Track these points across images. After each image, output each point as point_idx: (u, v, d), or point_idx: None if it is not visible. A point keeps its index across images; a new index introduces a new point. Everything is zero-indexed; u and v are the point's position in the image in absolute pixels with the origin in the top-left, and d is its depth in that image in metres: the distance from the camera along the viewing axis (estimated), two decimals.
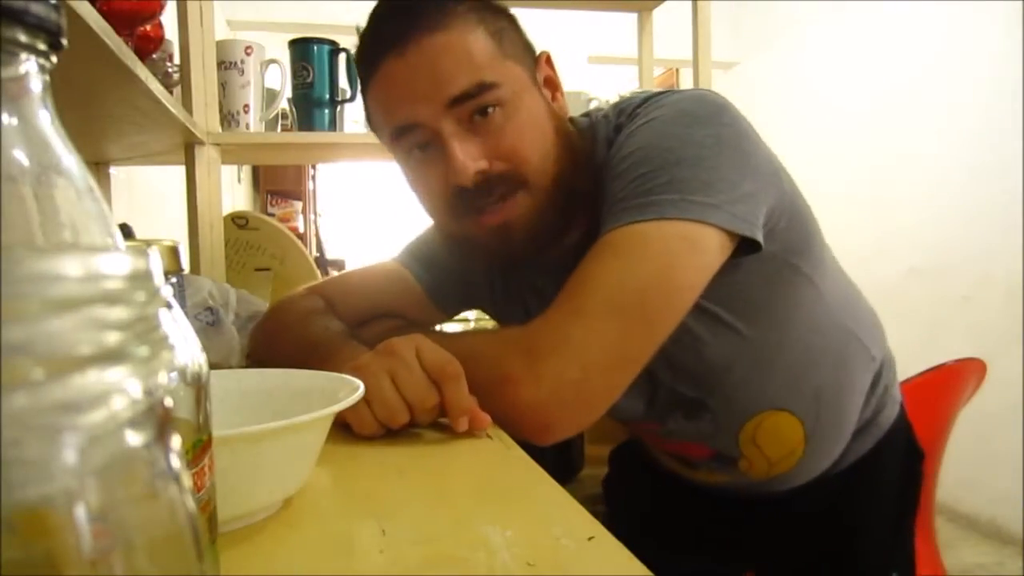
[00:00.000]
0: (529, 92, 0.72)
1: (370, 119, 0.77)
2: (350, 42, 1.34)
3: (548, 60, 0.77)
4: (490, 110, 0.68)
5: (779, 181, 0.73)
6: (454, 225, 0.74)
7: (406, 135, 0.71)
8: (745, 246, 0.68)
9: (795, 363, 0.81)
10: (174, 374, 0.15)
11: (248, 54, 1.22)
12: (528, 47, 0.75)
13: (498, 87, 0.68)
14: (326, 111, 1.28)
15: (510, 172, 0.69)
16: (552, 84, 0.77)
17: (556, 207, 0.72)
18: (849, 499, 0.91)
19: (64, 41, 0.20)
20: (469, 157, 0.68)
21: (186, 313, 0.80)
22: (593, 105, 1.34)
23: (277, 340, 0.81)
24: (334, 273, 1.16)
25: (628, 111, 0.76)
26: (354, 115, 1.38)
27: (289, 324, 0.81)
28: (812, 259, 0.79)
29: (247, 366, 0.83)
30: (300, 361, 0.61)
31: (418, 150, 0.71)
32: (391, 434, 0.61)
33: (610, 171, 0.71)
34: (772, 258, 0.72)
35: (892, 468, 0.92)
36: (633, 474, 1.06)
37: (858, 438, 0.89)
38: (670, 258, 0.63)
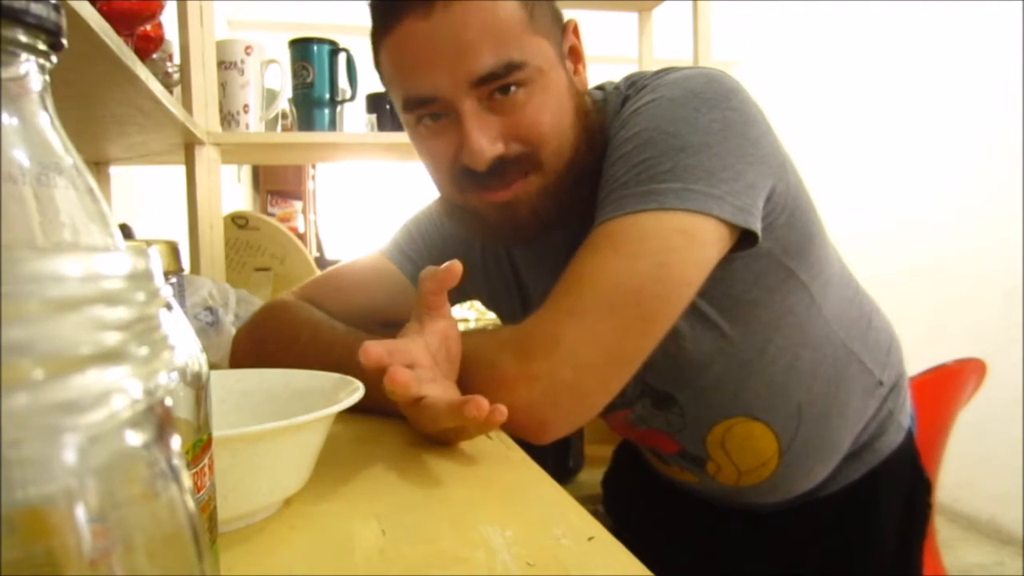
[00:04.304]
0: (554, 70, 0.68)
1: (380, 73, 0.72)
2: (350, 42, 1.34)
3: (575, 29, 0.73)
4: (512, 89, 0.65)
5: (784, 173, 0.70)
6: (458, 197, 0.72)
7: (419, 106, 0.67)
8: (744, 239, 0.66)
9: (777, 373, 0.78)
10: (174, 374, 0.15)
11: (248, 54, 1.22)
12: (557, 17, 0.71)
13: (525, 66, 0.65)
14: (326, 111, 1.28)
15: (525, 155, 0.67)
16: (576, 54, 0.73)
17: (565, 188, 0.69)
18: (843, 526, 0.87)
19: (64, 41, 0.20)
20: (487, 140, 0.65)
21: (186, 313, 0.80)
22: None
23: (292, 349, 0.74)
24: None
25: (639, 84, 0.73)
26: (354, 115, 1.39)
27: (305, 333, 0.74)
28: (809, 265, 0.75)
29: None
30: (332, 367, 0.57)
31: (429, 119, 0.68)
32: (391, 434, 0.61)
33: (613, 150, 0.68)
34: (766, 255, 0.70)
35: (892, 498, 0.88)
36: (632, 473, 1.05)
37: (850, 462, 0.85)
38: (668, 254, 0.62)
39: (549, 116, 0.67)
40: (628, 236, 0.63)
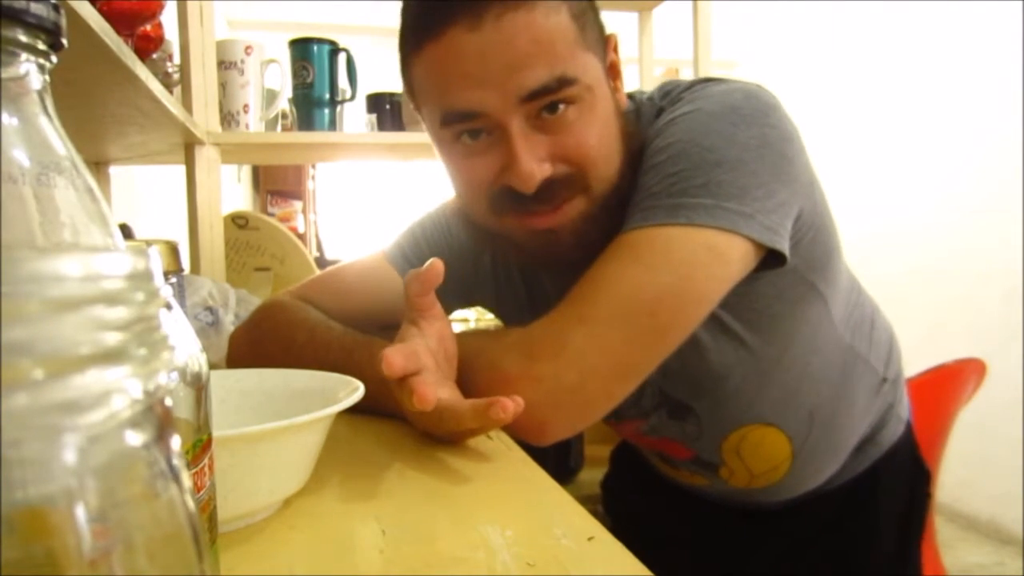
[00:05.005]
0: (601, 87, 0.65)
1: (409, 82, 0.68)
2: (350, 42, 1.34)
3: (616, 46, 0.70)
4: (561, 107, 0.62)
5: (812, 192, 0.70)
6: (493, 221, 0.68)
7: (461, 121, 0.63)
8: (770, 258, 0.65)
9: (791, 380, 0.78)
10: (174, 374, 0.15)
11: (248, 54, 1.22)
12: (603, 32, 0.68)
13: (576, 83, 0.62)
14: (326, 111, 1.28)
15: (573, 177, 0.64)
16: (615, 71, 0.70)
17: (608, 210, 0.67)
18: (845, 521, 0.88)
19: (64, 41, 0.20)
20: (535, 160, 0.62)
21: (186, 313, 0.79)
22: None
23: (290, 349, 0.73)
24: None
25: (673, 95, 0.71)
26: (354, 115, 1.39)
27: (301, 335, 0.73)
28: (828, 278, 0.75)
29: None
30: (329, 368, 0.57)
31: (468, 136, 0.64)
32: (391, 434, 0.61)
33: (646, 159, 0.67)
34: (791, 272, 0.69)
35: (893, 490, 0.89)
36: (632, 475, 1.05)
37: (855, 456, 0.86)
38: (691, 269, 0.60)
39: (597, 137, 0.64)
40: (652, 248, 0.61)
